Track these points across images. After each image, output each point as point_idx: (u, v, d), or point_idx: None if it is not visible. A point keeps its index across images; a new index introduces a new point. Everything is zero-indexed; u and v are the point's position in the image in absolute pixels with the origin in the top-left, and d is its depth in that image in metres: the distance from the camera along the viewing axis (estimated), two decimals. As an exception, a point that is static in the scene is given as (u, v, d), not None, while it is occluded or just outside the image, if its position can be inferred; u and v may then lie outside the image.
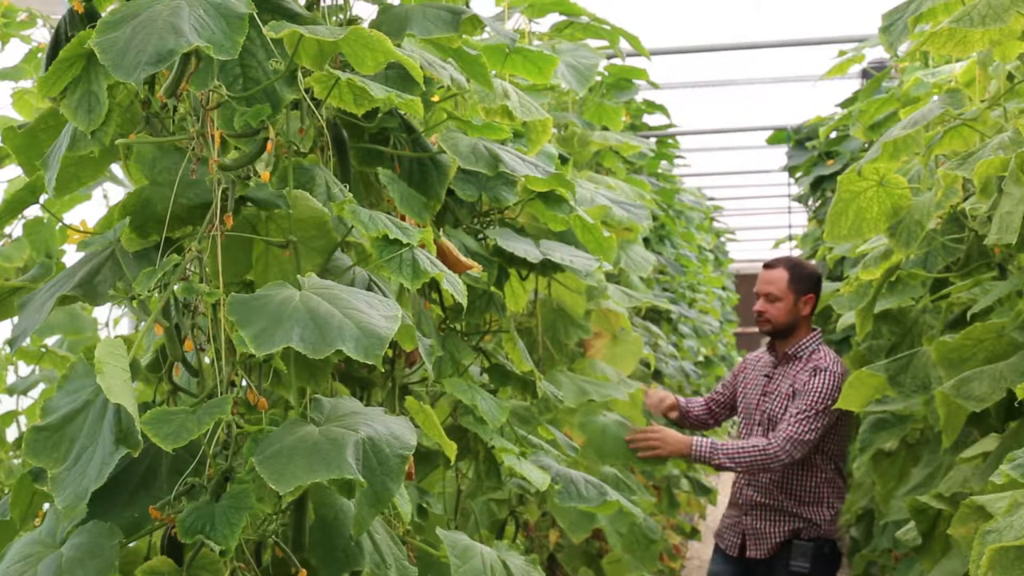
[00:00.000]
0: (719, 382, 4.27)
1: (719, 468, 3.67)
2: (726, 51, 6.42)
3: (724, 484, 6.44)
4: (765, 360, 4.06)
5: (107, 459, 1.33)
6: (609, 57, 3.93)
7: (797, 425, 3.64)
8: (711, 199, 10.31)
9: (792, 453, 3.61)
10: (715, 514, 8.13)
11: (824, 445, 3.80)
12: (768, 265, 4.00)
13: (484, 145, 2.08)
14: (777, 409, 3.84)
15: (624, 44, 3.36)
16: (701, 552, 8.18)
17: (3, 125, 1.75)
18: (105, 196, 2.24)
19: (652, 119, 5.94)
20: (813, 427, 3.63)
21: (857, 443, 3.54)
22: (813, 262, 4.12)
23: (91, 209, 2.22)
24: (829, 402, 3.65)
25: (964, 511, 1.75)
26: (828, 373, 3.72)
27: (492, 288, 2.31)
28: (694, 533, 5.95)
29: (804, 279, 3.92)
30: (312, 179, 1.68)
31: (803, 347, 3.89)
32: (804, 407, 3.66)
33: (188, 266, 1.46)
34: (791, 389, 3.82)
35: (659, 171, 6.40)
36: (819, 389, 3.69)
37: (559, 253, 2.42)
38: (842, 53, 4.40)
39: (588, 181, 3.34)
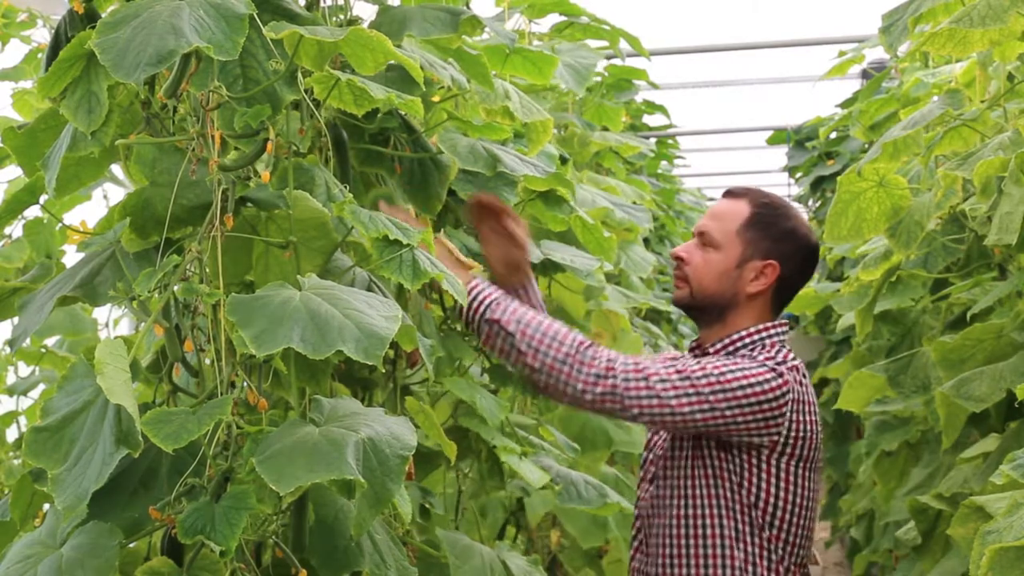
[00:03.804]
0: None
1: (492, 345, 2.06)
2: (726, 51, 6.43)
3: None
4: None
5: (107, 460, 1.33)
6: (609, 58, 3.93)
7: (667, 373, 2.00)
8: (711, 199, 10.31)
9: (631, 395, 1.97)
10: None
11: (762, 523, 2.06)
12: (729, 192, 2.27)
13: (483, 145, 2.08)
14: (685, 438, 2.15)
15: (624, 44, 3.36)
16: (701, 552, 8.16)
17: (3, 125, 1.75)
18: (105, 197, 2.23)
19: (652, 119, 5.94)
20: (690, 396, 1.98)
21: (863, 446, 3.52)
22: (799, 223, 2.23)
23: (91, 209, 2.22)
24: (741, 394, 1.98)
25: (964, 511, 1.75)
26: (758, 372, 2.02)
27: (492, 288, 2.31)
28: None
29: (771, 232, 2.16)
30: (312, 180, 1.68)
31: (740, 343, 2.15)
32: (691, 367, 2.03)
33: (188, 267, 1.46)
34: None
35: (659, 171, 6.40)
36: (730, 368, 2.02)
37: (560, 253, 2.42)
38: (842, 53, 4.40)
39: (589, 182, 3.35)
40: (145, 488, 1.45)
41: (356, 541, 1.57)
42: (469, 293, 2.02)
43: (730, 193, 2.26)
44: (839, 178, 2.60)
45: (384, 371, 1.99)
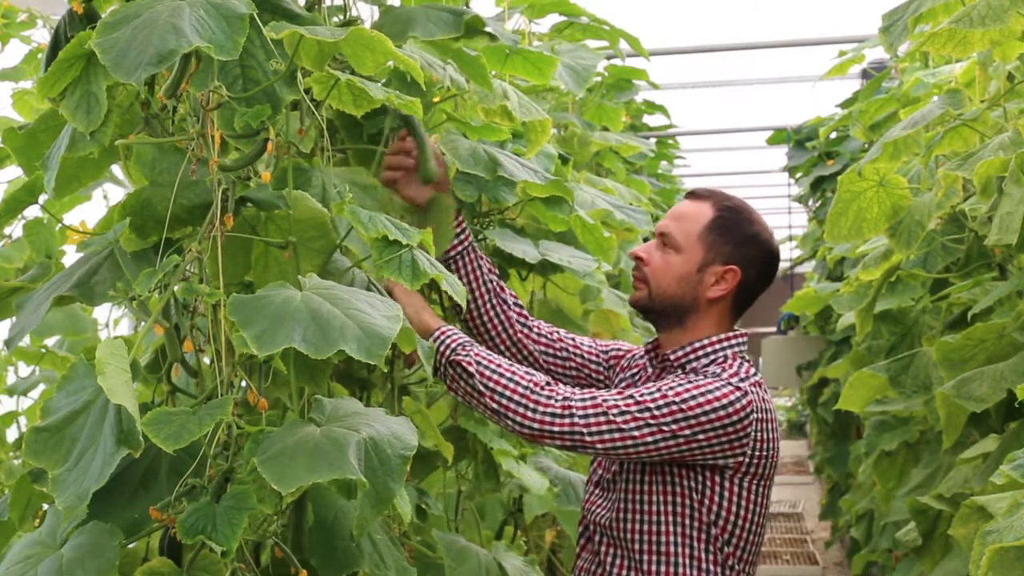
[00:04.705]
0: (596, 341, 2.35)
1: (456, 390, 1.99)
2: (726, 51, 6.42)
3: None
4: (640, 368, 2.21)
5: (108, 460, 1.33)
6: (609, 58, 3.93)
7: (625, 404, 1.95)
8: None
9: (591, 431, 1.92)
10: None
11: (715, 533, 2.03)
12: (692, 194, 2.19)
13: (483, 148, 2.08)
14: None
15: (624, 45, 3.37)
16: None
17: (3, 126, 1.75)
18: (105, 197, 2.24)
19: (652, 119, 5.95)
20: (651, 427, 1.93)
21: (863, 446, 3.52)
22: (761, 228, 2.14)
23: (91, 210, 2.22)
24: (705, 420, 1.94)
25: (964, 512, 1.75)
26: (723, 392, 1.96)
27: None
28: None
29: (734, 237, 2.09)
30: (308, 180, 1.68)
31: (701, 353, 2.09)
32: (651, 395, 1.96)
33: (188, 267, 1.46)
34: None
35: (659, 172, 6.40)
36: (692, 393, 1.96)
37: (558, 254, 2.42)
38: (842, 53, 4.40)
39: (587, 183, 3.34)
40: (145, 488, 1.45)
41: (356, 541, 1.57)
42: (436, 339, 1.98)
43: (693, 194, 2.17)
44: (839, 178, 2.60)
45: (383, 371, 1.99)
